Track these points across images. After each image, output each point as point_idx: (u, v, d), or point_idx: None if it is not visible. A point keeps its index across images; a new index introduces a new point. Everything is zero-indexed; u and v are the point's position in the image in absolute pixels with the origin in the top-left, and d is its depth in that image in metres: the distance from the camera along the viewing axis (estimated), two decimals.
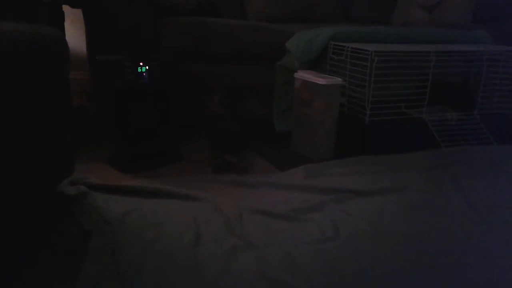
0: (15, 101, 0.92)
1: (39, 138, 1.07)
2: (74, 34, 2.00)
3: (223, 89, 1.86)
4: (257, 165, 1.60)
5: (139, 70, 1.50)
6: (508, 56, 1.85)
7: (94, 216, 1.16)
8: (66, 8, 1.74)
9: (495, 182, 1.45)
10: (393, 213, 1.25)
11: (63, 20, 1.72)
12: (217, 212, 1.20)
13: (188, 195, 1.28)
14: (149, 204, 1.25)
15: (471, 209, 1.26)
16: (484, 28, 2.14)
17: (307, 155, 1.67)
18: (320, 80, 1.60)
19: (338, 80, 1.63)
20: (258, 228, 1.13)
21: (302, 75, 1.70)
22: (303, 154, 1.69)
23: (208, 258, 0.99)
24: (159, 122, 1.60)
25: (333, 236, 1.10)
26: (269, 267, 0.97)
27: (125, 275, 0.92)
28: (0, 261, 0.98)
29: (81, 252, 1.00)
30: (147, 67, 1.51)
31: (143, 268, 0.95)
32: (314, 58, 1.82)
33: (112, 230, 1.09)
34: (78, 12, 1.79)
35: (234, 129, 1.59)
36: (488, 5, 2.36)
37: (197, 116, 1.74)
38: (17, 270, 0.95)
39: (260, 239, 1.08)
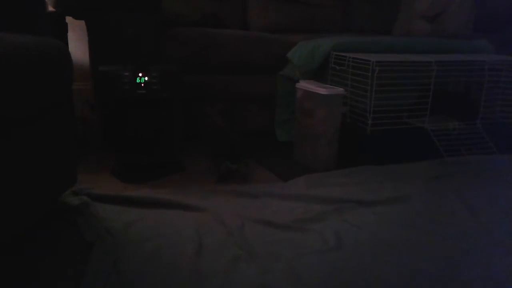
0: (17, 112, 0.93)
1: (42, 149, 1.07)
2: (78, 45, 2.01)
3: (223, 100, 1.88)
4: (259, 175, 1.60)
5: (138, 80, 1.50)
6: (510, 66, 1.85)
7: (97, 227, 1.16)
8: (69, 19, 1.76)
9: (497, 191, 1.44)
10: (395, 223, 1.24)
11: (67, 31, 1.74)
12: (219, 222, 1.20)
13: (190, 205, 1.28)
14: (151, 214, 1.25)
15: (474, 219, 1.25)
16: (485, 38, 2.15)
17: (309, 165, 1.67)
18: (322, 90, 1.61)
19: (339, 90, 1.64)
20: (261, 239, 1.13)
21: (304, 85, 1.71)
22: (305, 164, 1.68)
23: (210, 269, 0.99)
24: (160, 133, 1.61)
25: (336, 246, 1.10)
26: (271, 278, 0.96)
27: (127, 286, 0.92)
28: (2, 271, 0.98)
29: (83, 262, 1.00)
30: (146, 78, 1.51)
31: (145, 279, 0.95)
32: (316, 68, 1.83)
33: (114, 240, 1.09)
34: (81, 24, 1.81)
35: (233, 138, 1.60)
36: (489, 15, 2.37)
37: (198, 127, 1.75)
38: (19, 280, 0.95)
39: (263, 249, 1.08)
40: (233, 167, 1.53)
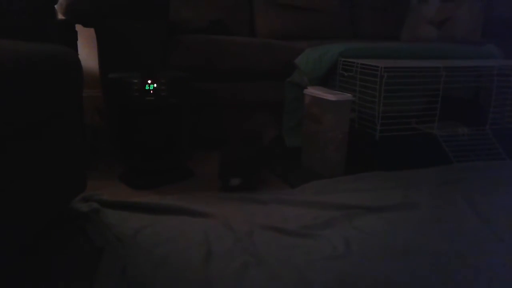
0: (28, 118, 0.94)
1: (52, 155, 1.08)
2: (88, 53, 2.03)
3: (230, 106, 1.90)
4: (268, 182, 1.60)
5: (147, 87, 1.51)
6: None
7: (106, 233, 1.16)
8: (79, 27, 1.78)
9: (508, 198, 1.43)
10: (404, 229, 1.23)
11: (76, 39, 1.76)
12: (228, 228, 1.20)
13: (199, 211, 1.29)
14: (160, 220, 1.25)
15: (485, 226, 1.24)
16: (493, 43, 2.14)
17: (317, 171, 1.67)
18: (330, 96, 1.61)
19: (348, 96, 1.64)
20: (269, 245, 1.13)
21: (312, 91, 1.71)
22: (314, 170, 1.68)
23: (220, 275, 0.99)
24: (169, 139, 1.61)
25: (345, 253, 1.10)
26: (280, 284, 0.96)
27: None
28: (12, 278, 0.98)
29: (93, 269, 1.00)
30: (155, 85, 1.52)
31: (154, 286, 0.95)
32: (324, 74, 1.83)
33: (123, 247, 1.10)
34: (91, 31, 1.83)
35: (244, 153, 1.59)
36: (497, 20, 2.36)
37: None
38: (29, 287, 0.95)
39: (272, 255, 1.07)
40: (235, 183, 1.51)
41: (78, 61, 1.21)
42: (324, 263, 1.05)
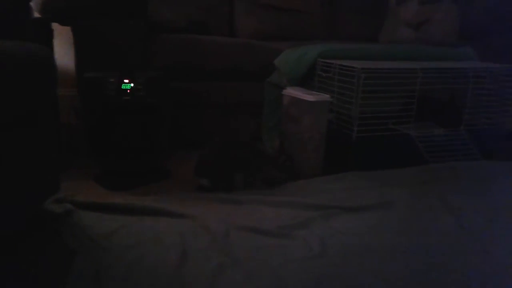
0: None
1: (23, 155, 1.06)
2: (64, 52, 2.00)
3: (212, 106, 1.88)
4: (247, 181, 1.59)
5: (123, 87, 1.50)
6: (493, 73, 1.88)
7: (80, 235, 1.15)
8: (55, 25, 1.75)
9: (483, 198, 1.45)
10: (380, 229, 1.24)
11: (52, 37, 1.72)
12: (204, 229, 1.19)
13: (175, 212, 1.28)
14: (136, 222, 1.24)
15: (458, 224, 1.26)
16: (469, 45, 2.18)
17: (295, 171, 1.67)
18: (308, 96, 1.62)
19: (326, 96, 1.65)
20: (246, 246, 1.12)
21: (290, 92, 1.71)
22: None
23: (195, 276, 0.98)
24: (146, 140, 1.60)
25: (321, 253, 1.10)
26: (256, 285, 0.96)
27: None
28: None
29: (66, 271, 0.98)
30: (132, 84, 1.51)
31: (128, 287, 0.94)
32: (302, 75, 1.84)
33: (97, 248, 1.08)
34: (68, 30, 1.80)
35: (216, 154, 1.56)
36: (473, 23, 2.40)
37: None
38: None
39: (247, 256, 1.07)
40: (204, 184, 1.50)
41: (52, 59, 1.19)
42: (300, 263, 1.05)
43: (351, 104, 1.65)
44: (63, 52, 1.98)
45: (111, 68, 1.62)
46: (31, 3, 1.46)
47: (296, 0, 2.58)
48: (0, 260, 1.03)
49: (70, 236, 1.14)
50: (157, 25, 2.03)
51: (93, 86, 1.52)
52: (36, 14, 1.73)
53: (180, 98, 1.90)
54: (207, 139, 1.65)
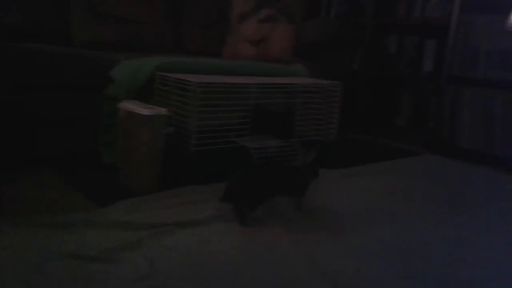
0: None
1: None
2: None
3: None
4: (74, 201, 1.47)
5: None
6: (321, 88, 2.05)
7: None
8: None
9: (313, 203, 1.56)
10: (216, 243, 1.24)
11: None
12: (16, 260, 1.06)
13: None
14: None
15: (289, 235, 1.32)
16: (302, 63, 2.35)
17: (132, 188, 1.60)
18: (144, 110, 1.56)
19: (162, 110, 1.61)
20: (64, 276, 1.02)
21: (126, 105, 1.64)
22: (129, 188, 1.61)
23: None
24: None
25: (148, 274, 1.05)
26: None
27: None
28: None
29: None
30: None
31: None
32: (140, 88, 1.78)
33: None
34: None
35: None
36: (306, 43, 2.61)
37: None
38: None
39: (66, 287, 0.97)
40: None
41: None
42: None
43: (189, 118, 1.65)
44: None
45: None
46: None
47: (138, 10, 2.50)
48: None
49: None
50: None
51: None
52: None
53: (9, 113, 1.69)
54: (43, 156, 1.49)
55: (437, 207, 1.65)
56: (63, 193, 1.54)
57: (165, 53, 2.36)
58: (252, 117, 1.80)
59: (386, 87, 3.13)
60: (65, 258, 1.09)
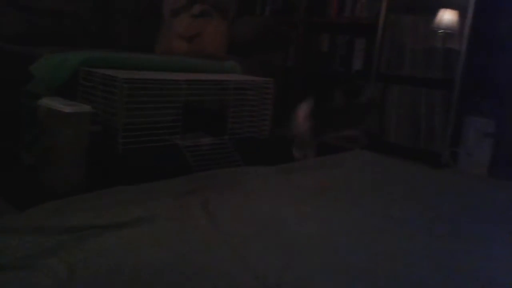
0: None
1: None
2: None
3: None
4: None
5: None
6: (254, 85, 2.06)
7: None
8: None
9: (241, 203, 1.55)
10: (142, 246, 1.20)
11: None
12: None
13: None
14: None
15: (216, 231, 1.31)
16: (236, 60, 2.35)
17: (56, 190, 1.51)
18: (66, 108, 1.48)
19: (86, 107, 1.54)
20: None
21: (48, 102, 1.55)
22: (52, 189, 1.52)
23: None
24: None
25: (68, 280, 1.00)
26: None
27: None
28: None
29: None
30: None
31: None
32: (62, 83, 1.69)
33: None
34: None
35: None
36: (239, 39, 2.60)
37: None
38: None
39: None
40: None
41: None
42: None
43: (117, 115, 1.58)
44: None
45: None
46: None
47: (62, 1, 2.37)
48: None
49: None
50: None
51: None
52: None
53: None
54: None
55: (363, 200, 1.70)
56: None
57: (92, 47, 2.26)
58: (184, 114, 1.77)
59: (320, 84, 3.20)
60: None
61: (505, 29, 2.33)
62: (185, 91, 1.71)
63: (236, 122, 1.99)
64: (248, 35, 2.64)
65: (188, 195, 1.53)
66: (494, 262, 1.29)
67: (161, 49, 2.56)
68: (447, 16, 2.40)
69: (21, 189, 1.54)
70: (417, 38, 2.55)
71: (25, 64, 1.77)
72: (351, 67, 2.97)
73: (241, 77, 2.07)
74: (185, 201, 1.49)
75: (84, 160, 1.54)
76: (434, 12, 2.42)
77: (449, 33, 2.41)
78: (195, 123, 1.91)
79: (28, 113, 1.76)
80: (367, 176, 2.05)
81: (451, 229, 1.48)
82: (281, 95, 2.82)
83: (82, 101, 1.65)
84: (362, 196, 1.75)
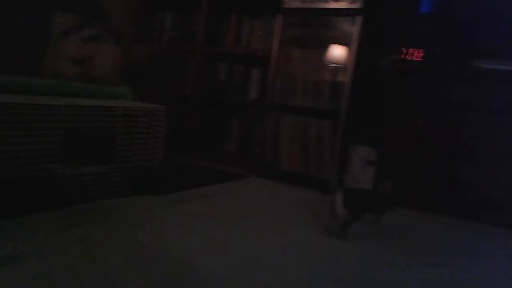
0: None
1: None
2: None
3: None
4: None
5: None
6: (144, 112, 2.00)
7: None
8: None
9: (125, 234, 1.48)
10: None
11: None
12: None
13: None
14: None
15: (93, 268, 1.23)
16: (128, 86, 2.28)
17: None
18: None
19: None
20: None
21: None
22: None
23: None
24: None
25: None
26: None
27: None
28: None
29: None
30: None
31: None
32: None
33: None
34: None
35: None
36: (132, 65, 2.54)
37: None
38: None
39: None
40: None
41: None
42: None
43: None
44: None
45: None
46: None
47: None
48: None
49: None
50: None
51: None
52: None
53: None
54: None
55: (253, 225, 1.72)
56: None
57: None
58: (66, 141, 1.66)
59: (218, 112, 3.22)
60: None
61: (386, 64, 2.55)
62: (66, 117, 1.61)
63: (126, 150, 1.92)
64: (143, 61, 2.59)
65: (65, 229, 1.43)
66: None
67: (48, 71, 2.41)
68: (336, 51, 2.57)
69: None
70: (308, 70, 2.69)
71: None
72: (248, 96, 3.04)
73: (131, 104, 2.01)
74: (62, 236, 1.39)
75: None
76: (324, 47, 2.58)
77: (338, 67, 2.57)
78: (80, 150, 1.80)
79: None
80: (255, 203, 2.08)
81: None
82: (177, 123, 2.80)
83: None
84: (243, 221, 1.77)
